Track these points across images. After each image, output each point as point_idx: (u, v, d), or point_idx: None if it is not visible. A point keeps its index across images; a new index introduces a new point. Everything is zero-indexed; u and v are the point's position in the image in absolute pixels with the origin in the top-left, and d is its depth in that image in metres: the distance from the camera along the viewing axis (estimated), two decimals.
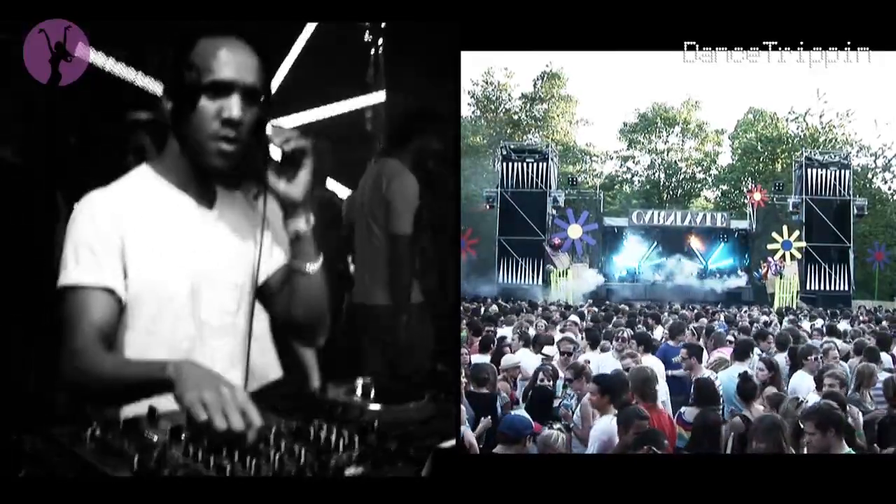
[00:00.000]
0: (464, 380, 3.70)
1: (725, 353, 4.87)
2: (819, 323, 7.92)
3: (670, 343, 5.16)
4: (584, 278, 15.01)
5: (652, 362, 4.33)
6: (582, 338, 5.30)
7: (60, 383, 1.58)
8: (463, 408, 3.39)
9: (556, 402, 3.77)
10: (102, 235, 1.61)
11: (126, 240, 1.63)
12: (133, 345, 1.66)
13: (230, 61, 1.61)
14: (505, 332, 6.04)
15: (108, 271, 1.61)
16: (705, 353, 5.15)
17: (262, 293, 1.87)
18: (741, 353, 4.54)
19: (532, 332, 5.66)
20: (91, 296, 1.59)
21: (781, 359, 4.83)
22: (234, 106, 1.61)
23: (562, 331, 5.75)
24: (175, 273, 1.67)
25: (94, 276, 1.60)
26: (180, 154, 1.69)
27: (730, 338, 5.55)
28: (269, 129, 1.68)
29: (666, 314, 8.26)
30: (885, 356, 4.82)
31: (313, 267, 1.78)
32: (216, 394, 1.29)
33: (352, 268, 3.85)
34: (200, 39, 1.63)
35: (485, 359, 4.58)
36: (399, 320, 3.43)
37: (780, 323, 8.20)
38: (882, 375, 4.00)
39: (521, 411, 3.15)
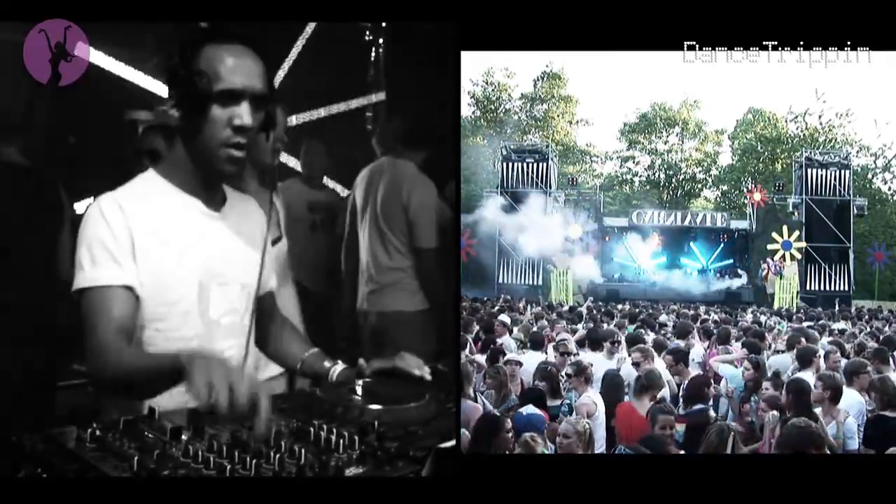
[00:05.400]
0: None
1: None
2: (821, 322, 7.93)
3: (679, 343, 5.16)
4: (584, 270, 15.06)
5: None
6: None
7: (88, 379, 1.61)
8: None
9: (557, 402, 3.78)
10: (116, 234, 1.63)
11: (136, 239, 1.65)
12: (143, 342, 1.68)
13: (238, 69, 1.63)
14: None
15: (126, 269, 1.63)
16: (698, 349, 5.23)
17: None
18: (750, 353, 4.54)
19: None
20: (110, 294, 1.60)
21: (788, 359, 4.84)
22: (244, 113, 1.63)
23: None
24: (183, 272, 1.69)
25: (113, 275, 1.61)
26: (187, 159, 1.70)
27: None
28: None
29: (663, 315, 8.25)
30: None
31: None
32: (225, 370, 1.31)
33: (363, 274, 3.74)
34: (206, 46, 1.64)
35: (484, 358, 4.58)
36: (425, 327, 3.41)
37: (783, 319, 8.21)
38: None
39: (530, 408, 3.15)
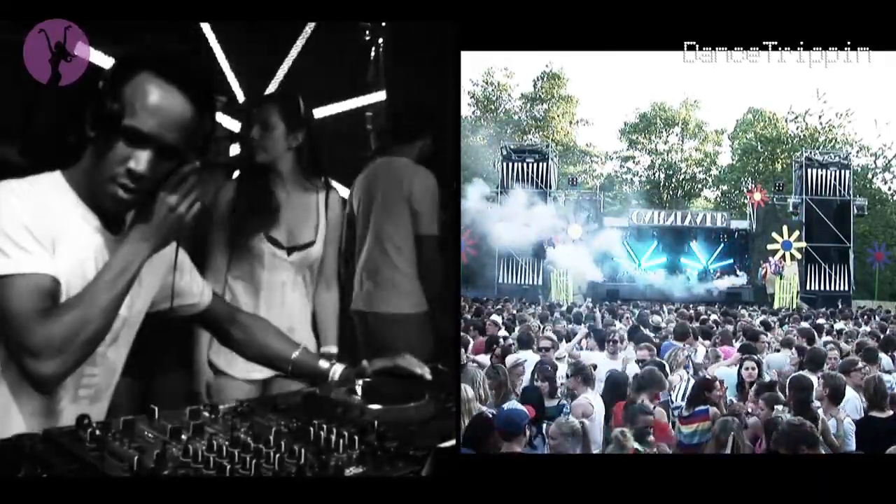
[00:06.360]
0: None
1: (732, 352, 4.91)
2: (821, 322, 7.94)
3: (679, 345, 5.15)
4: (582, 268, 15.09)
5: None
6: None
7: (40, 386, 1.47)
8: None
9: (555, 402, 3.77)
10: (36, 219, 1.49)
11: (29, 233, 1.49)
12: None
13: (158, 113, 1.50)
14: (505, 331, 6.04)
15: (49, 256, 1.49)
16: (700, 349, 5.22)
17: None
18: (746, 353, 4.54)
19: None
20: (42, 282, 1.46)
21: (786, 357, 4.84)
22: (142, 160, 1.50)
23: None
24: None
25: (43, 262, 1.47)
26: (91, 173, 1.57)
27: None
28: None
29: (658, 315, 8.22)
30: (885, 358, 4.81)
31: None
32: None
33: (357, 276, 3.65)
34: (143, 72, 1.51)
35: (487, 359, 4.58)
36: (426, 326, 3.39)
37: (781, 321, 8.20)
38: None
39: (513, 403, 3.14)
